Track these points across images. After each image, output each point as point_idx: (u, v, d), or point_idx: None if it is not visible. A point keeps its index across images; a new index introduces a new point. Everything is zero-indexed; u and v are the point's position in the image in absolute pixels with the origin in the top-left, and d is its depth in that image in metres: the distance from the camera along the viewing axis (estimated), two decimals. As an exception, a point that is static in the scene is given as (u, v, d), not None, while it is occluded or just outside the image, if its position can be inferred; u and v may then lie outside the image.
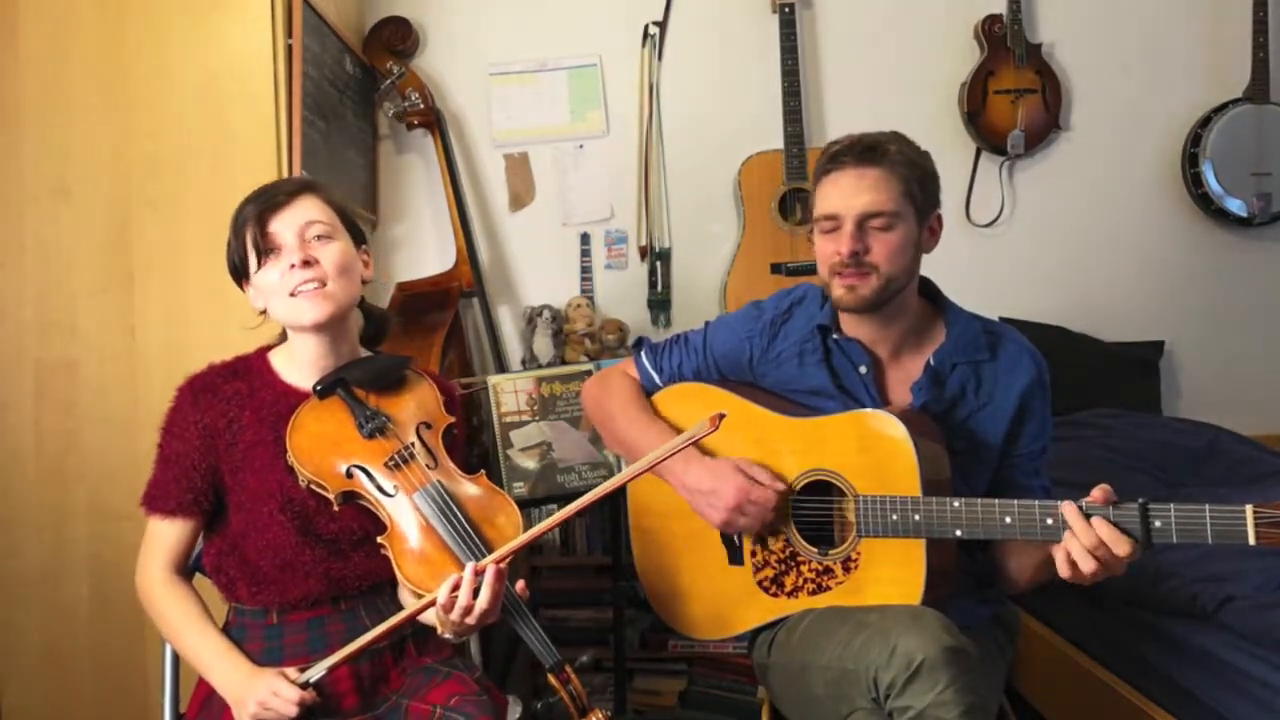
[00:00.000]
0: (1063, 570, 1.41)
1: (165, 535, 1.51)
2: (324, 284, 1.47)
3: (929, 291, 1.73)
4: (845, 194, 1.59)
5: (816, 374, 1.68)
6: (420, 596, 1.39)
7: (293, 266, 1.46)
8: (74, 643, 2.17)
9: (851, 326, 1.68)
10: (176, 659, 1.59)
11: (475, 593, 1.33)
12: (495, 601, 1.35)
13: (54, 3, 2.17)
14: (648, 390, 1.83)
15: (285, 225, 1.48)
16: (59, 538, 2.17)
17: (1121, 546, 1.36)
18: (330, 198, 1.55)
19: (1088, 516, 1.38)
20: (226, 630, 1.51)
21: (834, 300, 1.64)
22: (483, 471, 1.52)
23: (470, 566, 1.34)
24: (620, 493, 2.06)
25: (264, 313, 1.54)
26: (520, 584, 1.42)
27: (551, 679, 1.42)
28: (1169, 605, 1.91)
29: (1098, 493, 1.39)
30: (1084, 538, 1.37)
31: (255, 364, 1.56)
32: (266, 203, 1.49)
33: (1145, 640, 1.92)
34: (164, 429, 1.52)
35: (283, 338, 1.60)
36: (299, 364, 1.54)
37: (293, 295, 1.46)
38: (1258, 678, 1.66)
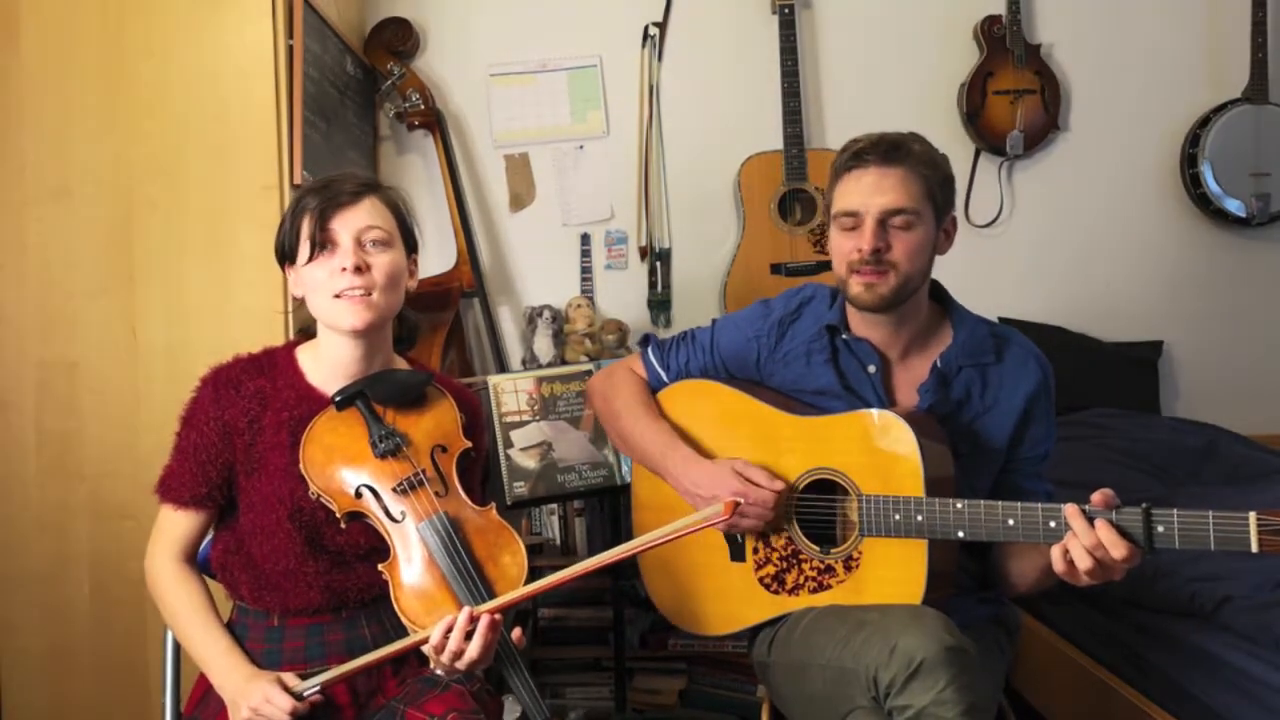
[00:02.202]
0: (1058, 566, 1.42)
1: (177, 525, 1.50)
2: (370, 293, 1.45)
3: (936, 293, 1.73)
4: (868, 191, 1.59)
5: (823, 373, 1.69)
6: (415, 630, 1.38)
7: (344, 270, 1.44)
8: (75, 642, 2.18)
9: (861, 327, 1.69)
10: (178, 658, 1.60)
11: (469, 635, 1.33)
12: (487, 650, 1.34)
13: (55, 3, 2.17)
14: (654, 387, 1.84)
15: (344, 226, 1.46)
16: (60, 537, 2.17)
17: (1119, 549, 1.36)
18: (391, 201, 1.53)
19: (1090, 519, 1.38)
20: (230, 627, 1.50)
21: (850, 298, 1.64)
22: (493, 505, 1.49)
23: (466, 611, 1.33)
24: (622, 491, 2.07)
25: (301, 300, 1.52)
26: (516, 632, 1.41)
27: None
28: (1167, 605, 1.91)
29: (1098, 497, 1.39)
30: (1085, 538, 1.38)
31: (281, 360, 1.54)
32: (330, 199, 1.46)
33: (1144, 640, 1.92)
34: (184, 419, 1.51)
35: (308, 333, 1.59)
36: (327, 365, 1.52)
37: (337, 297, 1.45)
38: (1256, 677, 1.66)
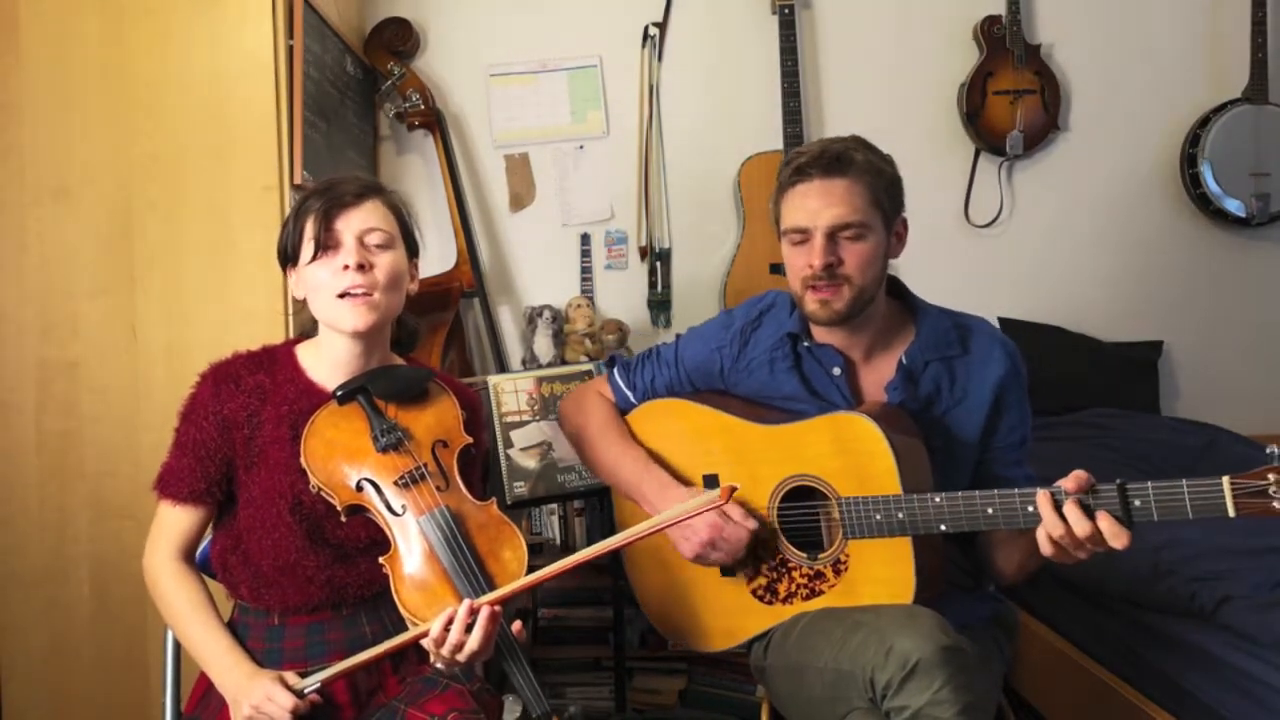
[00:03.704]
0: (1045, 549, 1.42)
1: (176, 521, 1.50)
2: (372, 293, 1.46)
3: (896, 290, 1.72)
4: (814, 207, 1.58)
5: (787, 381, 1.69)
6: (415, 623, 1.38)
7: (346, 268, 1.45)
8: (75, 641, 2.18)
9: (823, 333, 1.68)
10: (178, 657, 1.60)
11: (469, 628, 1.33)
12: (487, 642, 1.34)
13: (54, 3, 2.17)
14: (622, 409, 1.84)
15: (347, 226, 1.47)
16: (60, 537, 2.17)
17: (1083, 527, 1.36)
18: (393, 204, 1.55)
19: (1059, 504, 1.39)
20: (231, 626, 1.50)
21: (808, 315, 1.63)
22: (493, 500, 1.49)
23: (465, 604, 1.33)
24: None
25: (302, 301, 1.53)
26: (516, 624, 1.41)
27: None
28: (1168, 604, 1.91)
29: (1070, 482, 1.39)
30: (1053, 529, 1.39)
31: (281, 356, 1.55)
32: (334, 200, 1.48)
33: (1144, 639, 1.92)
34: (183, 414, 1.51)
35: (306, 334, 1.60)
36: (328, 363, 1.53)
37: (340, 297, 1.46)
38: (1257, 677, 1.66)
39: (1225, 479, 1.30)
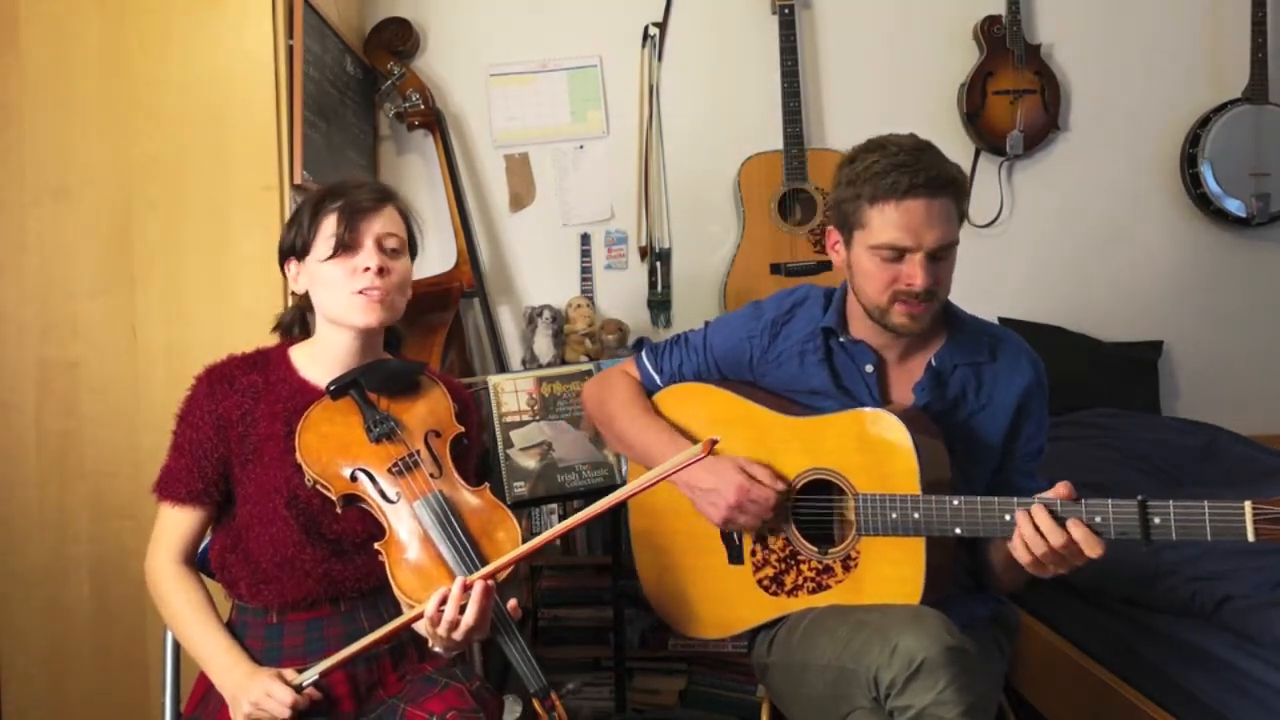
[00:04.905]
0: (1022, 557, 1.44)
1: (176, 523, 1.52)
2: (387, 294, 1.51)
3: None
4: (919, 227, 1.55)
5: (817, 374, 1.69)
6: (412, 607, 1.39)
7: (366, 269, 1.49)
8: (75, 641, 2.18)
9: (861, 330, 1.69)
10: (177, 657, 1.60)
11: (463, 608, 1.33)
12: (483, 618, 1.35)
13: (54, 3, 2.17)
14: (649, 391, 1.84)
15: (369, 230, 1.52)
16: (60, 537, 2.18)
17: (1057, 537, 1.39)
18: (404, 211, 1.59)
19: (1062, 519, 1.41)
20: (230, 626, 1.51)
21: (892, 326, 1.61)
22: (487, 485, 1.51)
23: (459, 581, 1.34)
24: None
25: (303, 296, 1.56)
26: (512, 603, 1.42)
27: (536, 705, 1.39)
28: (1168, 604, 1.92)
29: (1062, 488, 1.42)
30: (1030, 540, 1.41)
31: (275, 357, 1.57)
32: (355, 204, 1.52)
33: (1144, 639, 1.92)
34: (179, 417, 1.54)
35: (291, 336, 1.62)
36: (323, 360, 1.55)
37: (357, 293, 1.49)
38: (1257, 677, 1.66)
39: (1248, 504, 1.30)
